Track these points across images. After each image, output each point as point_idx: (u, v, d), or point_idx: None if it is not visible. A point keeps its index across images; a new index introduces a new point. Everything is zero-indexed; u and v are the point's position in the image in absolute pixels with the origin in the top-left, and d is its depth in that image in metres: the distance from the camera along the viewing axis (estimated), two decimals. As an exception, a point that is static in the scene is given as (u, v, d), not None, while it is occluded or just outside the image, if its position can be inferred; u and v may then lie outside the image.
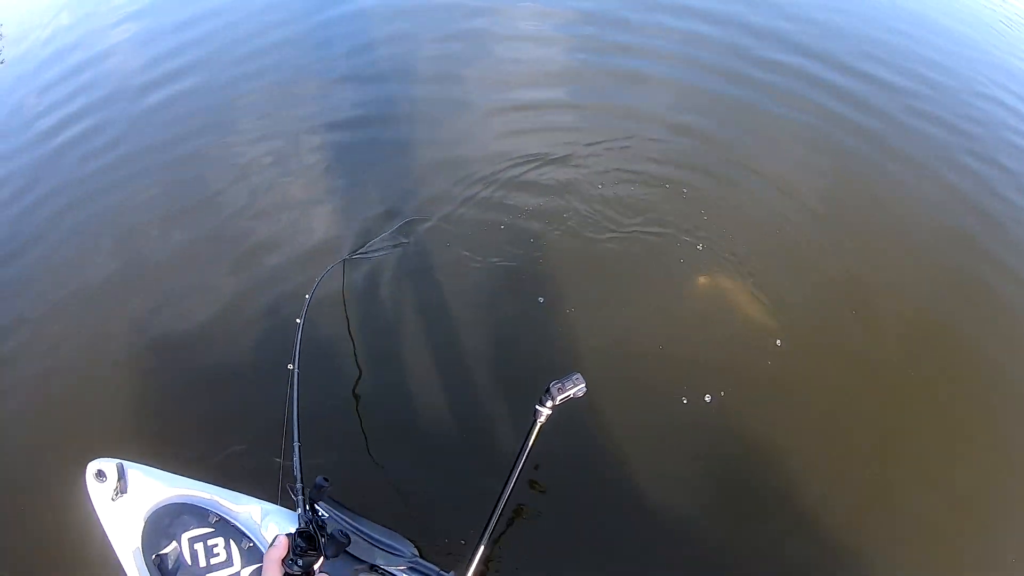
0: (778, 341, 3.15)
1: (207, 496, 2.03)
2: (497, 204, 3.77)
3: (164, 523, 1.99)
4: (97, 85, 5.21)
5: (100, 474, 2.03)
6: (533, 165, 3.99)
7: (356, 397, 2.98)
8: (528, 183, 3.89)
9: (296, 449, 2.04)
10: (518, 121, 4.37)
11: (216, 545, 1.96)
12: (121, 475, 2.04)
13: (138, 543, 2.01)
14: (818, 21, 5.60)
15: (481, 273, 3.43)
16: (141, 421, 2.93)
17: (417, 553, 1.92)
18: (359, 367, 3.08)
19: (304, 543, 1.40)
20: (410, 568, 1.90)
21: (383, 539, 1.90)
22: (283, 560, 1.32)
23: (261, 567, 1.92)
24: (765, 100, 4.60)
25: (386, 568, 1.88)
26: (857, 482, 2.82)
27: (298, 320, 2.46)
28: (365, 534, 1.89)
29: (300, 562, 1.33)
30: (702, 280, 3.38)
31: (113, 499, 2.04)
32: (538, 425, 1.86)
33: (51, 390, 3.16)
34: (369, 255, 3.47)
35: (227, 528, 1.96)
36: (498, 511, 1.85)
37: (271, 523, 1.96)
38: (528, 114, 4.43)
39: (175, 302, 3.42)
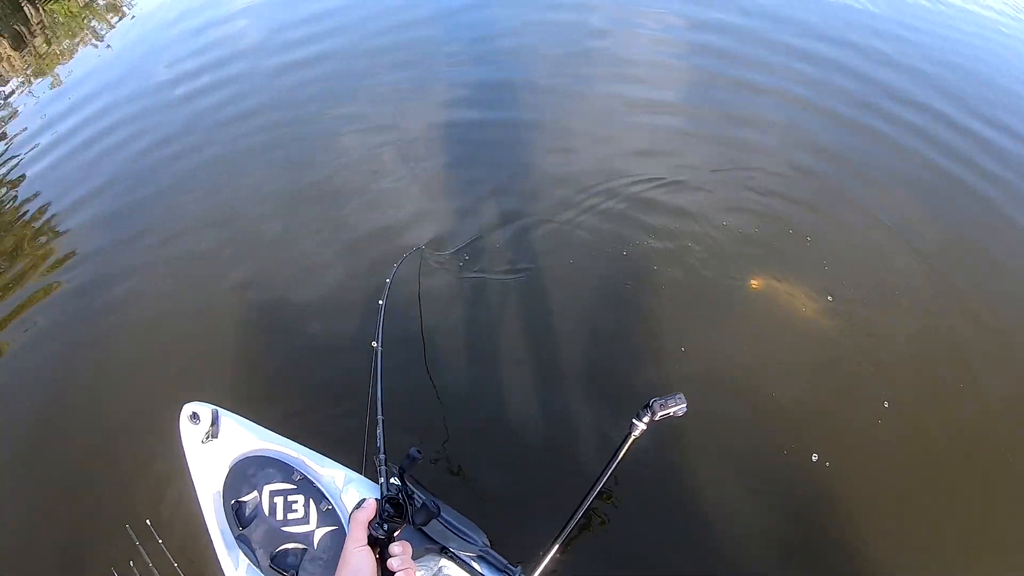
0: (886, 403, 3.00)
1: (294, 454, 2.08)
2: (612, 218, 3.77)
3: (248, 472, 2.05)
4: (233, 59, 5.59)
5: (194, 416, 2.11)
6: (652, 185, 3.98)
7: (441, 385, 3.01)
8: (645, 202, 3.87)
9: (380, 422, 2.08)
10: (638, 142, 4.40)
11: (296, 502, 2.00)
12: (215, 420, 2.11)
13: (220, 487, 2.07)
14: (959, 66, 5.39)
15: (585, 283, 3.44)
16: (239, 375, 3.07)
17: (488, 543, 1.91)
18: (449, 357, 3.12)
19: (391, 509, 1.42)
20: (480, 557, 1.89)
21: (457, 524, 1.91)
22: (370, 523, 1.34)
23: (335, 530, 1.97)
24: (893, 149, 4.45)
25: (456, 552, 1.88)
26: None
27: (380, 302, 2.52)
28: (440, 516, 1.90)
29: (386, 527, 1.35)
30: (820, 324, 3.27)
31: (203, 442, 2.11)
32: (632, 438, 1.84)
33: (155, 336, 3.36)
34: (468, 251, 3.55)
35: (309, 487, 2.00)
36: (577, 516, 1.83)
37: (352, 490, 1.99)
38: (649, 136, 4.45)
39: (281, 269, 3.59)
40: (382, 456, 1.92)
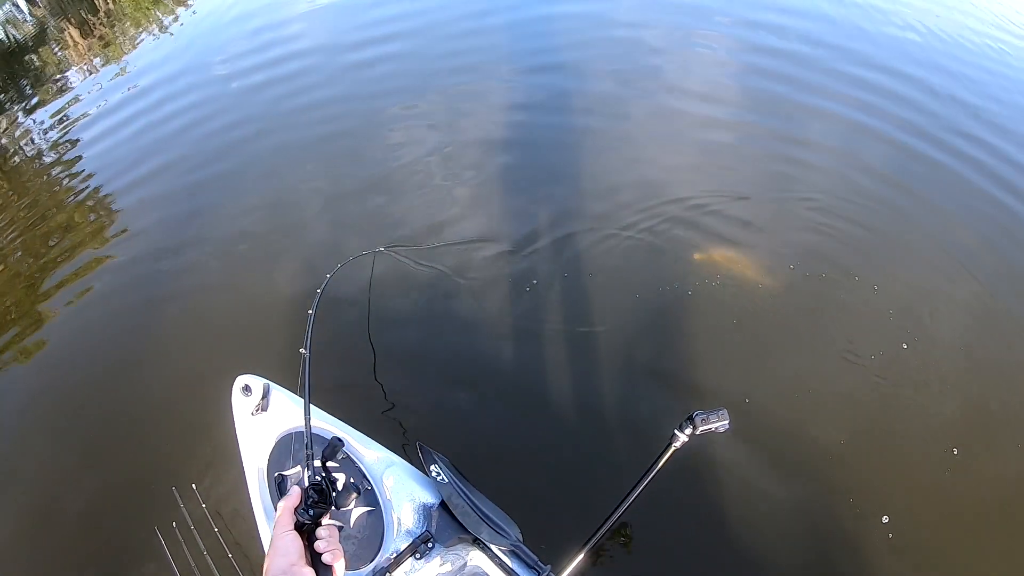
0: (955, 450, 2.87)
1: (339, 433, 2.13)
2: (664, 234, 3.75)
3: (294, 447, 2.12)
4: (294, 55, 5.85)
5: (246, 388, 2.19)
6: (708, 204, 3.96)
7: (481, 382, 3.05)
8: (694, 221, 3.83)
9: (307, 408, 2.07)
10: (694, 158, 4.39)
11: (338, 480, 2.05)
12: (266, 394, 2.19)
13: (266, 459, 2.14)
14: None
15: (632, 292, 3.44)
16: (294, 352, 3.15)
17: (521, 538, 1.94)
18: (494, 356, 3.16)
19: (316, 495, 1.46)
20: (511, 551, 1.93)
21: (492, 515, 1.95)
22: (295, 509, 1.38)
23: (372, 510, 2.02)
24: (952, 180, 4.31)
25: (488, 544, 1.91)
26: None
27: (310, 311, 2.45)
28: (476, 506, 1.94)
29: (311, 512, 1.38)
30: (881, 370, 3.14)
31: (253, 414, 2.19)
32: (672, 449, 1.85)
33: (214, 308, 3.53)
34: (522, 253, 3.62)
35: (351, 467, 2.06)
36: (610, 522, 1.85)
37: (392, 474, 2.03)
38: (704, 153, 4.43)
39: (324, 257, 3.69)
40: (307, 441, 1.91)
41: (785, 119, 4.75)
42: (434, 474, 1.98)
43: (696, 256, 3.59)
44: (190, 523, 2.51)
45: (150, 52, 6.77)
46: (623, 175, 4.19)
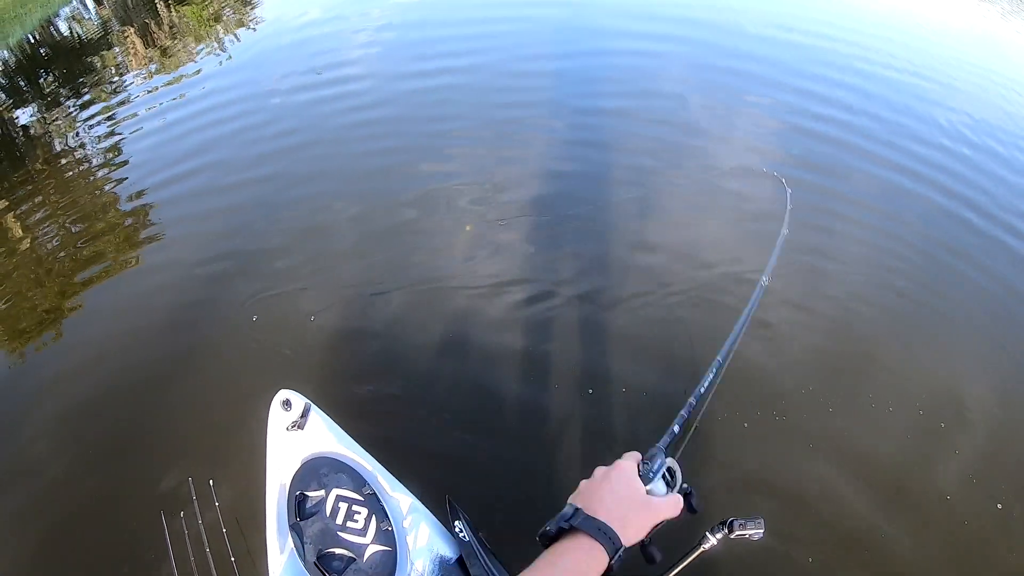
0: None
1: (369, 468, 2.15)
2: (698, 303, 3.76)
3: (322, 471, 2.13)
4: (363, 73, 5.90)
5: (287, 403, 2.21)
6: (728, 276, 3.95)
7: (522, 447, 3.04)
8: (711, 293, 3.82)
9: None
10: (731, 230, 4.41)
11: (359, 513, 2.07)
12: (305, 413, 2.21)
13: (290, 475, 2.15)
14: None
15: (663, 358, 3.43)
16: (337, 376, 3.25)
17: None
18: (539, 415, 3.15)
19: None
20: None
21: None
22: None
23: (388, 551, 2.03)
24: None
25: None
26: None
27: None
28: (491, 571, 1.95)
29: None
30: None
31: (288, 429, 2.21)
32: (700, 550, 1.82)
33: (273, 317, 3.59)
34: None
35: (375, 504, 2.07)
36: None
37: (417, 520, 2.05)
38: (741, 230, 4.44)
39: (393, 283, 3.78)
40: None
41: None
42: (457, 530, 1.99)
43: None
44: (199, 516, 2.52)
45: (207, 65, 6.94)
46: (660, 236, 4.23)
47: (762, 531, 1.83)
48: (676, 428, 1.53)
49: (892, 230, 4.49)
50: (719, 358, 1.84)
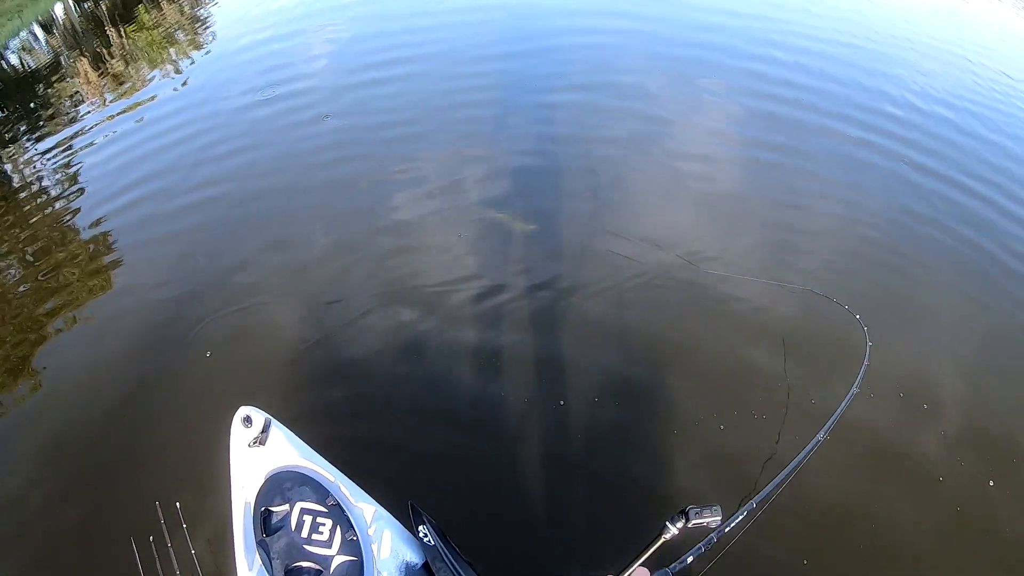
0: None
1: (332, 479, 2.15)
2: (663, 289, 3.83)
3: (285, 485, 2.13)
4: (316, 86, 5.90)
5: (247, 420, 2.20)
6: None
7: (484, 446, 3.07)
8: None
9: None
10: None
11: (324, 525, 2.07)
12: (266, 428, 2.20)
13: (255, 492, 2.15)
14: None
15: (633, 349, 3.47)
16: (301, 391, 3.24)
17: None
18: (506, 420, 3.17)
19: None
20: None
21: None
22: None
23: (354, 560, 2.03)
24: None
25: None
26: None
27: None
28: (458, 574, 1.95)
29: None
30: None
31: (250, 446, 2.20)
32: (661, 540, 1.86)
33: (230, 337, 3.57)
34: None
35: (339, 514, 2.06)
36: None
37: (381, 528, 2.05)
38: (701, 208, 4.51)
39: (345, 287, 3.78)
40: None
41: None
42: (421, 535, 1.99)
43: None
44: (168, 540, 2.49)
45: (161, 88, 6.86)
46: (625, 224, 4.29)
47: (719, 518, 1.88)
48: (689, 559, 1.54)
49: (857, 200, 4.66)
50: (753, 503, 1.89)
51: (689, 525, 1.83)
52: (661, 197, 4.69)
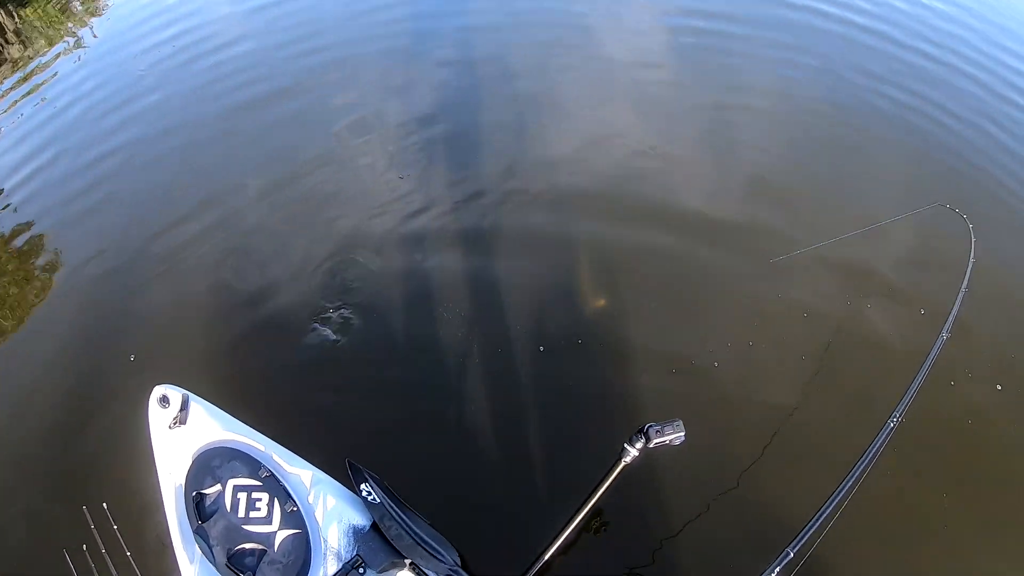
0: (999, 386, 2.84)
1: (262, 448, 1.97)
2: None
3: (214, 464, 1.95)
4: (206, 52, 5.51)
5: (164, 400, 2.00)
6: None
7: (415, 395, 2.85)
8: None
9: None
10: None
11: (260, 500, 1.89)
12: (184, 406, 2.01)
13: (183, 476, 1.97)
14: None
15: (566, 278, 3.29)
16: (213, 360, 2.93)
17: (459, 562, 1.80)
18: (432, 366, 2.95)
19: None
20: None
21: (427, 538, 1.80)
22: None
23: (298, 533, 1.86)
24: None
25: (424, 569, 1.77)
26: None
27: None
28: (410, 528, 1.79)
29: None
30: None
31: (171, 427, 2.01)
32: (622, 464, 1.71)
33: (129, 315, 3.25)
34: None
35: (275, 486, 1.89)
36: (557, 544, 1.71)
37: (321, 493, 1.88)
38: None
39: (256, 260, 3.47)
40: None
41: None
42: (364, 493, 1.83)
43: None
44: (101, 546, 2.28)
45: (65, 65, 6.37)
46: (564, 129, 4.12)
47: (682, 434, 1.72)
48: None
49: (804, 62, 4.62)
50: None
51: (652, 445, 1.67)
52: (598, 97, 4.50)
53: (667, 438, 1.64)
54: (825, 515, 1.38)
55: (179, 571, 1.96)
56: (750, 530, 2.38)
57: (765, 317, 3.09)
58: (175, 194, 3.98)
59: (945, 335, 2.12)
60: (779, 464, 2.52)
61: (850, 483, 1.49)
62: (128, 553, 2.20)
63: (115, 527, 2.26)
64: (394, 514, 1.77)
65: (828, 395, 2.78)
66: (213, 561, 1.89)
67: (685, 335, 3.01)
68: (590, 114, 4.34)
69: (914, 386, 1.79)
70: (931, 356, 1.97)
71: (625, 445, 1.69)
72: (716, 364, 2.86)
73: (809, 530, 1.33)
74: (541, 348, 2.93)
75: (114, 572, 2.22)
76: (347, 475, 1.87)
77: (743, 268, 3.28)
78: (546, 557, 1.69)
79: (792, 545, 1.26)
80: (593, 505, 1.71)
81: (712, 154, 4.07)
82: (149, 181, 4.17)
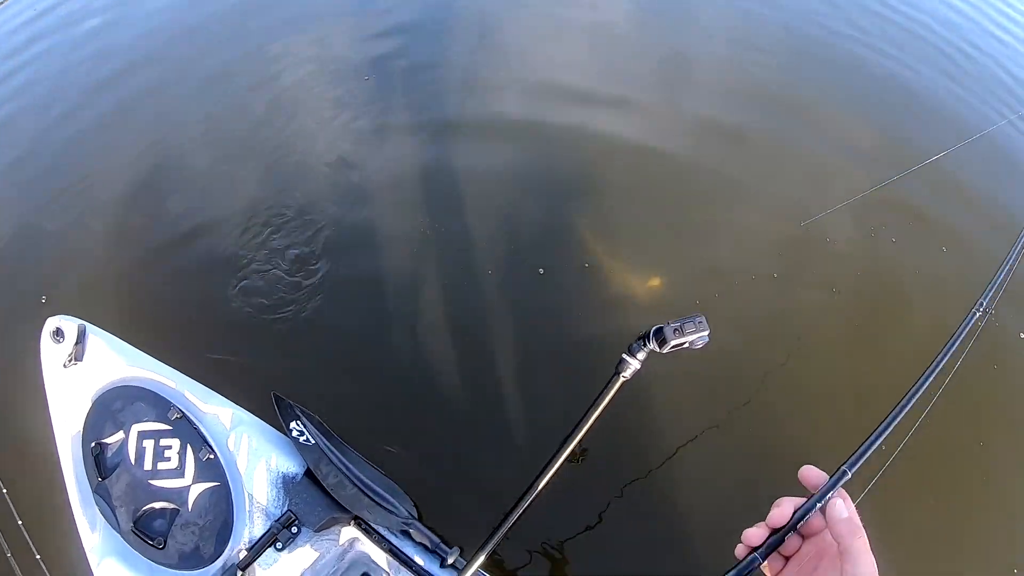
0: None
1: (172, 385, 1.60)
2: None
3: (115, 406, 1.58)
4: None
5: (58, 333, 1.63)
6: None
7: (358, 319, 2.52)
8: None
9: None
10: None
11: (169, 448, 1.53)
12: (81, 339, 1.64)
13: (80, 424, 1.60)
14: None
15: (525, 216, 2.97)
16: (125, 290, 2.54)
17: (416, 514, 1.44)
18: (378, 286, 2.63)
19: None
20: (403, 532, 1.43)
21: (375, 486, 1.44)
22: None
23: (215, 486, 1.49)
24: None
25: (372, 525, 1.41)
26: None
27: None
28: (352, 475, 1.43)
29: None
30: None
31: (66, 365, 1.65)
32: (620, 381, 1.33)
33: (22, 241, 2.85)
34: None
35: (187, 429, 1.53)
36: (536, 488, 1.35)
37: (244, 435, 1.51)
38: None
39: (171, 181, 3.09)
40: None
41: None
42: (295, 434, 1.46)
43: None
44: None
45: None
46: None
47: (707, 332, 1.28)
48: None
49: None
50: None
51: (664, 350, 1.26)
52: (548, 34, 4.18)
53: (688, 338, 1.22)
54: (887, 433, 1.05)
55: (80, 541, 1.59)
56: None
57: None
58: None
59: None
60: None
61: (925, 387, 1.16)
62: (20, 522, 1.85)
63: (3, 491, 1.89)
64: (333, 458, 1.42)
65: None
66: (117, 527, 1.52)
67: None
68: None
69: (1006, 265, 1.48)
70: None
71: (624, 356, 1.31)
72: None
73: (868, 449, 1.00)
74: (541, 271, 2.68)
75: (4, 545, 1.85)
76: (274, 413, 1.50)
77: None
78: (526, 503, 1.33)
79: (849, 463, 0.93)
80: (583, 436, 1.33)
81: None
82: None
